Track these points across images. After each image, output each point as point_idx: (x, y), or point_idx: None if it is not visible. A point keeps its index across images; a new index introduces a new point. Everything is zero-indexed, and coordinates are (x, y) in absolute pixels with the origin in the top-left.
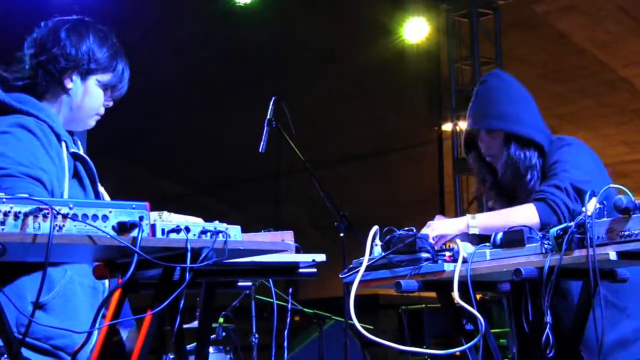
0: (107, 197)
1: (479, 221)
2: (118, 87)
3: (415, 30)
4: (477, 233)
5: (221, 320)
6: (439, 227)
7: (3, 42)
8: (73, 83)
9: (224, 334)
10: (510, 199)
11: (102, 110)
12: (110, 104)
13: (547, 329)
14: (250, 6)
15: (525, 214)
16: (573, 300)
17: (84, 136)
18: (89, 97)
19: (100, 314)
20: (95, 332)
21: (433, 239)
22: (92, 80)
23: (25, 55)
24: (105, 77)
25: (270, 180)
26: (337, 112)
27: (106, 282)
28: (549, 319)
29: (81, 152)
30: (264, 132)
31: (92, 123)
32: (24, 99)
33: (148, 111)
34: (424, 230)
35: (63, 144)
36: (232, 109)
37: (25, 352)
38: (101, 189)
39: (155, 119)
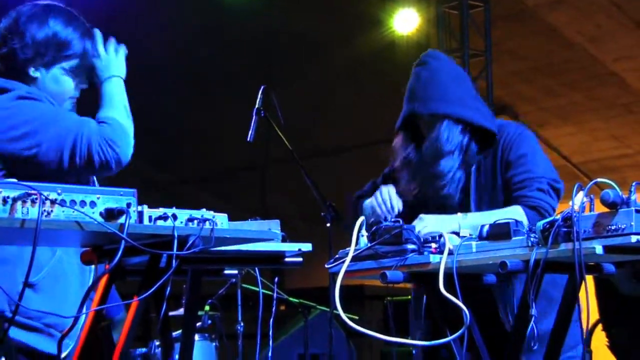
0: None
1: (469, 221)
2: (91, 69)
3: (405, 21)
4: (468, 234)
5: (207, 308)
6: (432, 224)
7: None
8: (39, 73)
9: (209, 321)
10: (425, 183)
11: (76, 94)
12: (86, 85)
13: (532, 322)
14: None
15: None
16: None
17: None
18: (57, 86)
19: (89, 298)
20: (83, 317)
21: (424, 235)
22: (57, 69)
23: None
24: (72, 63)
25: (258, 171)
26: (326, 103)
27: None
28: (534, 312)
29: None
30: (252, 121)
31: (67, 107)
32: (8, 82)
33: (137, 100)
34: (416, 225)
35: None
36: (221, 99)
37: (17, 331)
38: None
39: (144, 108)
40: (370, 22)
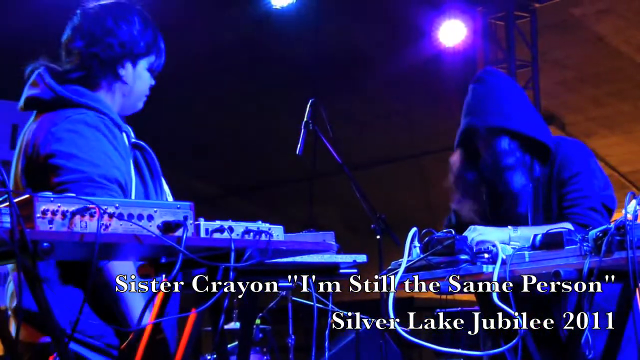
0: (166, 189)
1: (520, 234)
2: (160, 65)
3: (452, 32)
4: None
5: (258, 321)
6: (485, 233)
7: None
8: (125, 70)
9: (260, 335)
10: (489, 200)
11: (148, 92)
12: (154, 82)
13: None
14: (287, 7)
15: None
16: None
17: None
18: (140, 82)
19: (147, 312)
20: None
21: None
22: (142, 65)
23: (75, 47)
24: (151, 59)
25: (304, 182)
26: (372, 114)
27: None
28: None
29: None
30: (301, 134)
31: (140, 105)
32: (81, 91)
33: (184, 112)
34: (468, 235)
35: (124, 134)
36: (268, 110)
37: (79, 348)
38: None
39: (191, 120)
40: (416, 33)
